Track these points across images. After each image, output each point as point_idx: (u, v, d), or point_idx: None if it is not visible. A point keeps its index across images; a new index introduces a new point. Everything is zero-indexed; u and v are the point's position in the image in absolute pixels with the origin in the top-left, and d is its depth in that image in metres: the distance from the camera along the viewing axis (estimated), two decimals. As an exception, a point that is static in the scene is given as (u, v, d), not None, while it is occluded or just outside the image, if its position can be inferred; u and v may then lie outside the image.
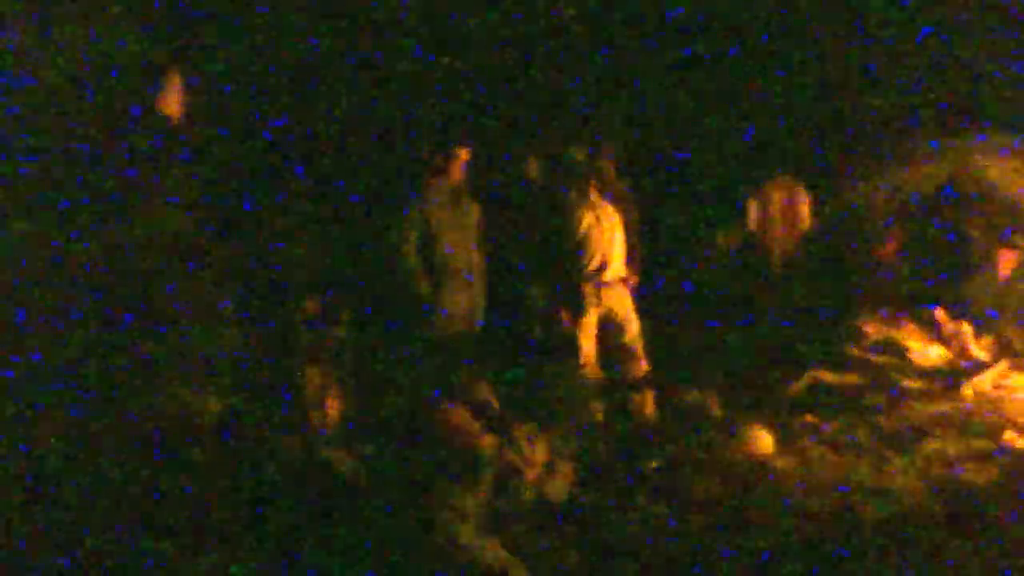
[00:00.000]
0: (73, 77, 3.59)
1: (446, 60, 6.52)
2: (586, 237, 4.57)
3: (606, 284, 4.63)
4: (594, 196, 4.68)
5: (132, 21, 4.27)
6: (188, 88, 3.30)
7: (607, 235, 4.65)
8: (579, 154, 4.79)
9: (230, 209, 3.79)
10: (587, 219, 4.60)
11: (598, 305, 4.59)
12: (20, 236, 3.05)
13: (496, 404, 3.94)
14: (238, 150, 4.37)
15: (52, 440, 2.79)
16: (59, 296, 3.11)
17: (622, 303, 4.73)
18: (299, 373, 3.37)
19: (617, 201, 4.91)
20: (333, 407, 3.41)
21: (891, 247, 6.76)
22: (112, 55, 3.78)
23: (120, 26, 4.16)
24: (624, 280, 4.78)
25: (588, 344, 4.58)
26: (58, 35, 3.75)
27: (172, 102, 3.29)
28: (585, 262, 4.57)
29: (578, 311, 4.53)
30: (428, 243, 4.32)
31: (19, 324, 2.95)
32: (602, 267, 4.62)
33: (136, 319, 3.14)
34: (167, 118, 3.27)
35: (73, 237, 3.16)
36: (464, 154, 4.43)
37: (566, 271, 4.58)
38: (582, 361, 4.53)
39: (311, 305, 3.86)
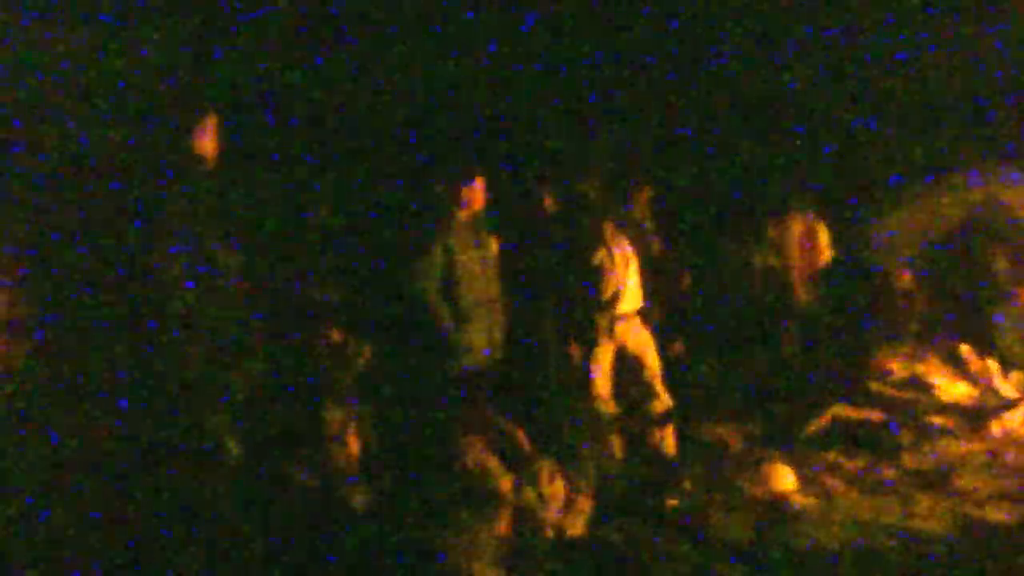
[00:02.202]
0: (114, 113, 3.68)
1: (466, 90, 6.59)
2: (598, 270, 4.57)
3: (619, 318, 4.62)
4: (608, 229, 4.69)
5: (171, 61, 4.38)
6: (222, 129, 3.36)
7: (620, 268, 4.64)
8: (593, 187, 4.80)
9: (255, 243, 3.83)
10: (600, 252, 4.60)
11: (611, 338, 4.58)
12: (52, 267, 3.10)
13: (520, 438, 3.92)
14: (264, 186, 4.43)
15: (70, 475, 2.82)
16: (83, 327, 3.15)
17: (638, 337, 4.72)
18: (319, 408, 3.38)
19: (636, 235, 4.91)
20: (353, 442, 3.40)
21: (907, 280, 6.69)
22: (152, 93, 3.88)
23: (159, 66, 4.27)
24: (641, 314, 4.76)
25: (602, 377, 4.55)
26: (99, 75, 3.86)
27: (207, 143, 3.35)
28: (597, 295, 4.57)
29: (590, 344, 4.52)
30: (449, 276, 4.33)
31: (41, 353, 2.99)
32: (614, 300, 4.61)
33: (160, 350, 3.16)
34: (201, 157, 3.33)
35: (103, 269, 3.21)
36: (480, 181, 4.45)
37: (579, 304, 4.58)
38: (596, 395, 4.50)
39: (333, 338, 3.87)
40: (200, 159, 3.35)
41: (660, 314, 5.07)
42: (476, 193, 4.44)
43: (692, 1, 7.41)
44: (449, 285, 4.27)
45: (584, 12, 7.20)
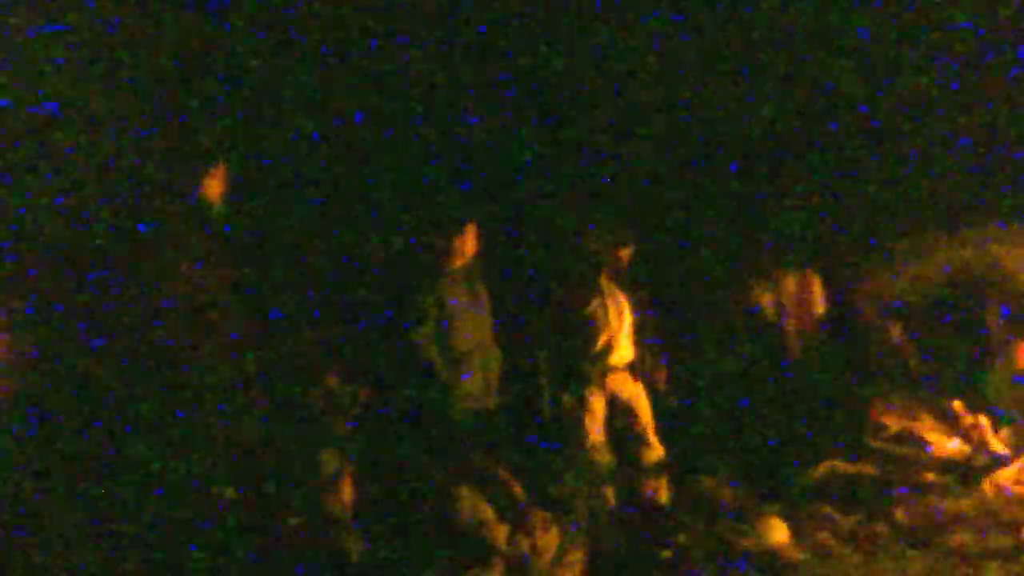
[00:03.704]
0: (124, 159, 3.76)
1: (463, 139, 6.68)
2: (592, 320, 4.63)
3: (611, 368, 4.67)
4: (604, 281, 4.75)
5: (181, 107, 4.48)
6: (230, 176, 3.44)
7: (614, 320, 4.70)
8: (592, 239, 4.88)
9: (255, 289, 3.88)
10: (594, 302, 4.66)
11: (602, 388, 4.62)
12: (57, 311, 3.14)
13: (515, 488, 3.93)
14: (263, 233, 4.50)
15: (70, 515, 2.82)
16: (81, 365, 3.18)
17: (630, 389, 4.76)
18: (314, 454, 3.39)
19: (630, 290, 4.97)
20: (347, 489, 3.42)
21: (900, 335, 6.74)
22: (161, 141, 3.97)
23: (170, 112, 4.37)
24: (633, 367, 4.81)
25: (595, 428, 4.58)
26: (114, 122, 3.95)
27: (214, 189, 3.43)
28: (589, 345, 4.62)
29: (582, 393, 4.56)
30: (442, 324, 4.36)
31: (43, 394, 3.02)
32: (606, 351, 4.66)
33: (157, 391, 3.19)
34: (208, 203, 3.40)
35: (104, 308, 3.25)
36: (473, 230, 4.50)
37: (571, 354, 4.63)
38: (589, 445, 4.52)
39: (329, 384, 3.89)
40: (206, 203, 3.42)
41: (654, 368, 5.11)
42: (469, 241, 4.49)
43: (690, 58, 7.56)
44: (443, 333, 4.30)
45: (585, 65, 7.34)
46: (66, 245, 3.27)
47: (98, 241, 3.23)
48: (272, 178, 5.21)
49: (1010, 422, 5.89)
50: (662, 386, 5.12)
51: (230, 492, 3.11)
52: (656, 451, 4.75)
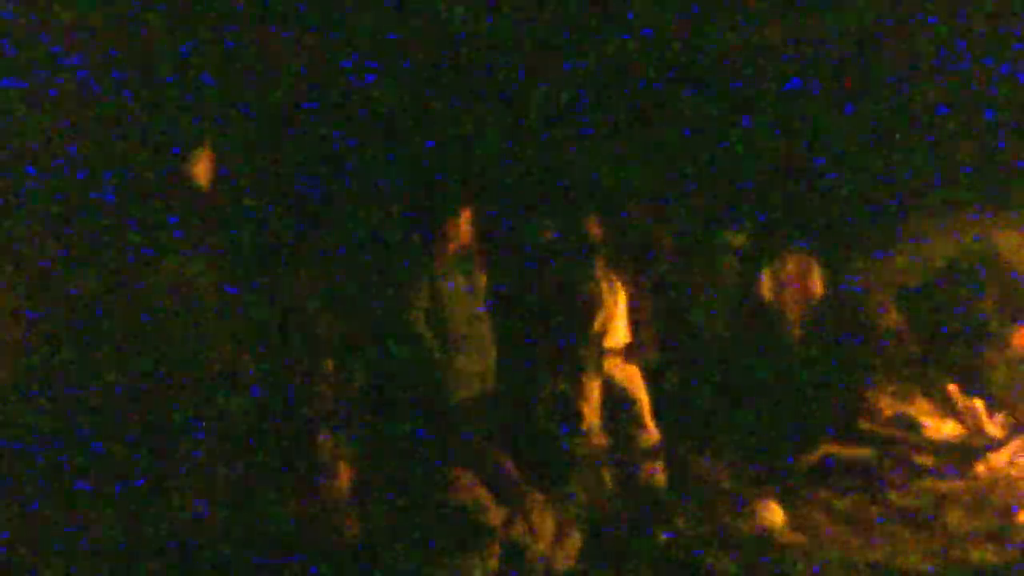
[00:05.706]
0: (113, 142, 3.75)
1: (461, 124, 6.67)
2: (587, 303, 4.63)
3: (607, 351, 4.68)
4: (600, 265, 4.76)
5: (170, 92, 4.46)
6: (218, 159, 3.41)
7: (609, 304, 4.71)
8: (590, 224, 4.88)
9: (248, 273, 3.87)
10: (590, 286, 4.67)
11: (598, 371, 4.63)
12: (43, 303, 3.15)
13: (511, 471, 3.95)
14: (254, 216, 4.49)
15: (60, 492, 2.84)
16: (75, 352, 3.19)
17: (626, 373, 4.77)
18: (311, 438, 3.41)
19: (625, 274, 4.98)
20: (344, 473, 3.43)
21: (892, 319, 6.77)
22: (151, 122, 3.95)
23: (159, 95, 4.35)
24: (629, 350, 4.82)
25: (591, 411, 4.59)
26: (100, 102, 3.92)
27: (203, 173, 3.40)
28: (585, 328, 4.62)
29: (577, 376, 4.57)
30: (438, 308, 4.35)
31: (38, 385, 3.03)
32: (602, 334, 4.67)
33: (152, 377, 3.20)
34: (197, 187, 3.38)
35: (97, 294, 3.25)
36: (468, 214, 4.47)
37: (566, 337, 4.63)
38: (585, 428, 4.54)
39: (325, 368, 3.90)
40: (195, 187, 3.40)
41: (652, 351, 5.12)
42: (464, 226, 4.47)
43: (696, 35, 7.52)
44: (437, 317, 4.30)
45: (583, 44, 7.31)
46: (54, 230, 3.26)
47: (85, 225, 3.21)
48: (263, 161, 5.19)
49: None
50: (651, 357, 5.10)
51: (225, 472, 3.12)
52: (652, 434, 4.77)
